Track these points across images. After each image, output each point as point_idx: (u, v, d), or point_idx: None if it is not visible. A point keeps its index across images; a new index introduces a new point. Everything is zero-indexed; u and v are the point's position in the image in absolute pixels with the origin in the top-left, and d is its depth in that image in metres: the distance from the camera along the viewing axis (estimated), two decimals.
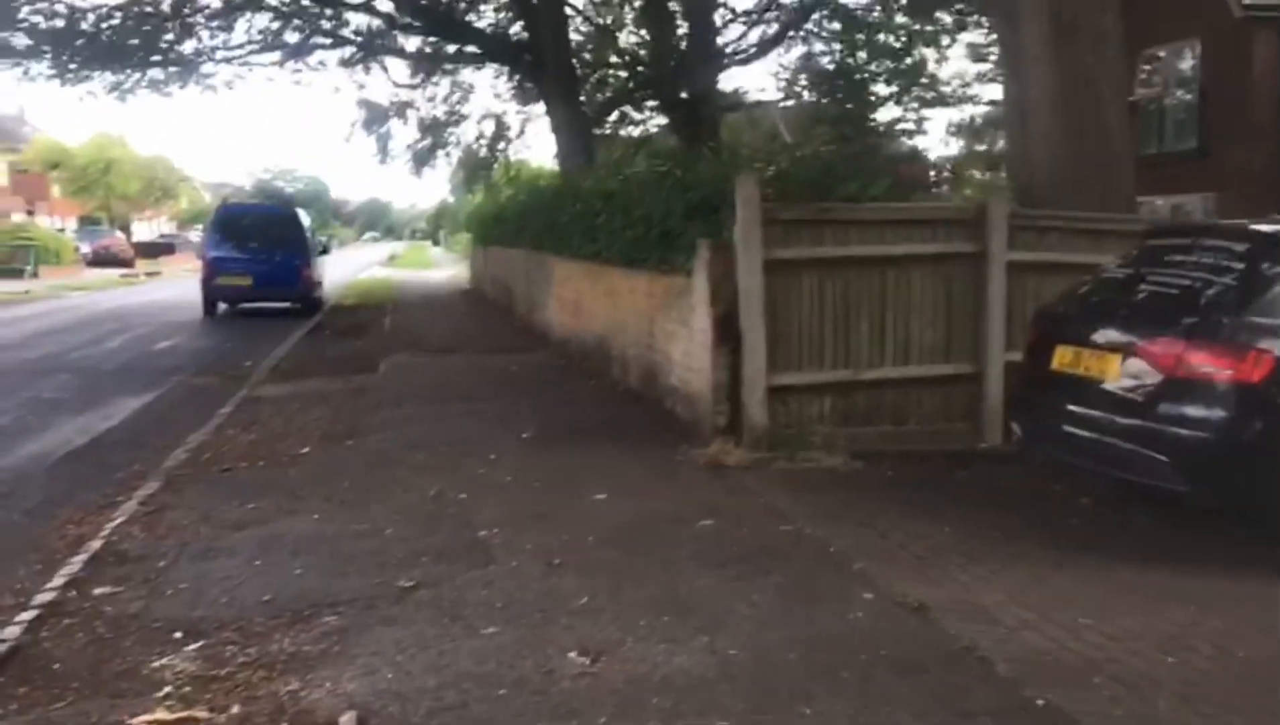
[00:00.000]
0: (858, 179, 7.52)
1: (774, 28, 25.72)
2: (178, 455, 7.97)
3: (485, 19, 26.84)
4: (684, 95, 23.84)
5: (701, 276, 7.50)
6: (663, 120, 27.43)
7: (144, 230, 75.40)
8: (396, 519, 6.01)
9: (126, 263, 47.60)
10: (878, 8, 25.82)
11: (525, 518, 5.99)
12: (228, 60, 24.59)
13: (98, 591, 4.90)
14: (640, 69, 25.81)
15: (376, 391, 10.80)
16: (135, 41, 23.04)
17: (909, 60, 24.94)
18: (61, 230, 54.75)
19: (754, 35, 25.83)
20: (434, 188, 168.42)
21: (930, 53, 24.84)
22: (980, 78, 25.73)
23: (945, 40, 24.76)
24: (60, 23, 22.06)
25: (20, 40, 21.85)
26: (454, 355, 13.90)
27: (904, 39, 24.96)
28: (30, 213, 63.35)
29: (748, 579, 4.87)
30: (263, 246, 21.15)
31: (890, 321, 7.46)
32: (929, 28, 24.73)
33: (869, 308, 7.42)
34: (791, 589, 4.74)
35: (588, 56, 26.74)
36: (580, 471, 7.08)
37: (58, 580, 5.01)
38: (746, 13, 25.84)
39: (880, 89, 25.49)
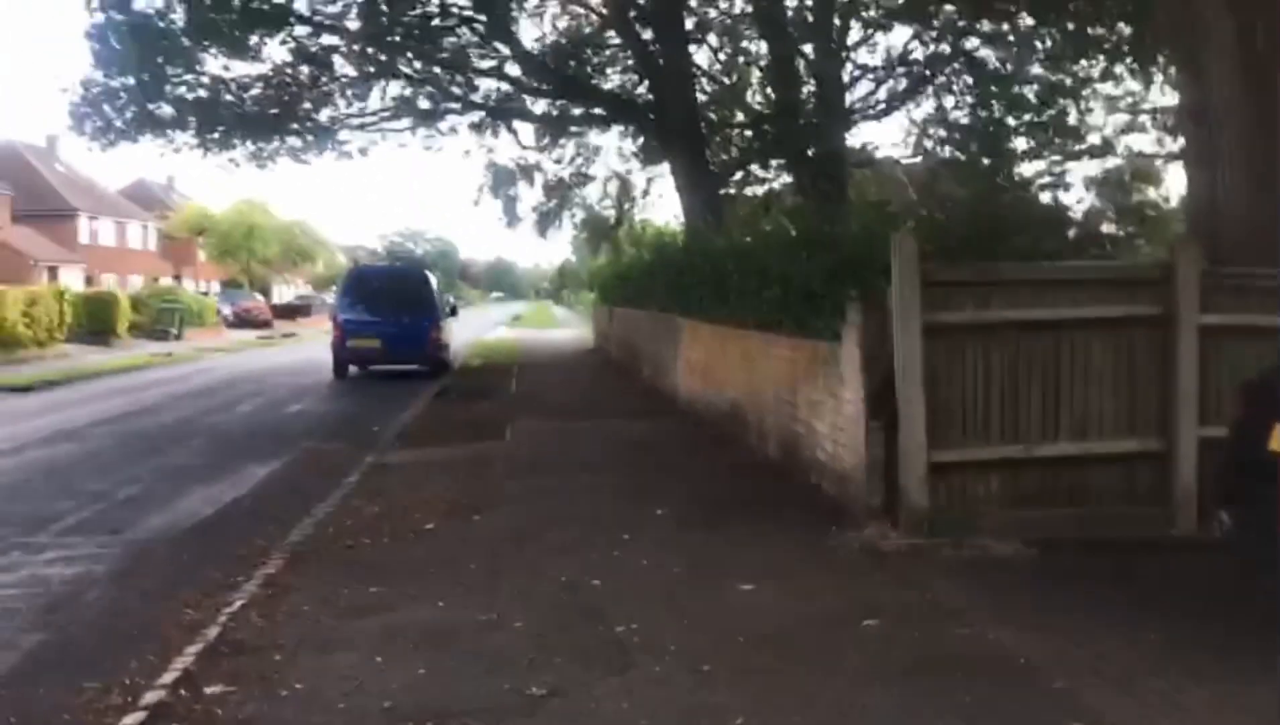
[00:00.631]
0: (1025, 234, 6.85)
1: (904, 83, 25.01)
2: (303, 528, 7.69)
3: (611, 81, 26.97)
4: (811, 152, 23.35)
5: (852, 343, 6.91)
6: (788, 178, 26.99)
7: (282, 292, 78.30)
8: (526, 610, 5.53)
9: (264, 324, 49.25)
10: (1013, 60, 24.87)
11: (666, 611, 5.45)
12: (362, 127, 25.15)
13: (210, 690, 4.53)
14: (766, 127, 25.40)
15: (503, 460, 10.45)
16: (275, 111, 23.68)
17: (1050, 112, 23.97)
18: (205, 293, 57.16)
19: (883, 91, 25.20)
20: (557, 248, 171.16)
21: (1072, 104, 23.73)
22: (1125, 128, 24.47)
23: (1086, 92, 23.71)
24: (204, 93, 22.80)
25: (166, 111, 22.66)
26: (581, 420, 13.52)
27: (1043, 92, 24.04)
28: (177, 277, 66.40)
29: (928, 698, 4.22)
30: (392, 309, 21.31)
31: (1065, 392, 6.72)
32: (1068, 80, 23.73)
33: (1041, 377, 6.70)
34: (985, 714, 4.07)
35: (713, 115, 26.48)
36: (722, 555, 6.52)
37: (169, 676, 4.66)
38: (874, 69, 25.23)
39: (1020, 143, 24.59)
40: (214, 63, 22.10)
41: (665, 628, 5.16)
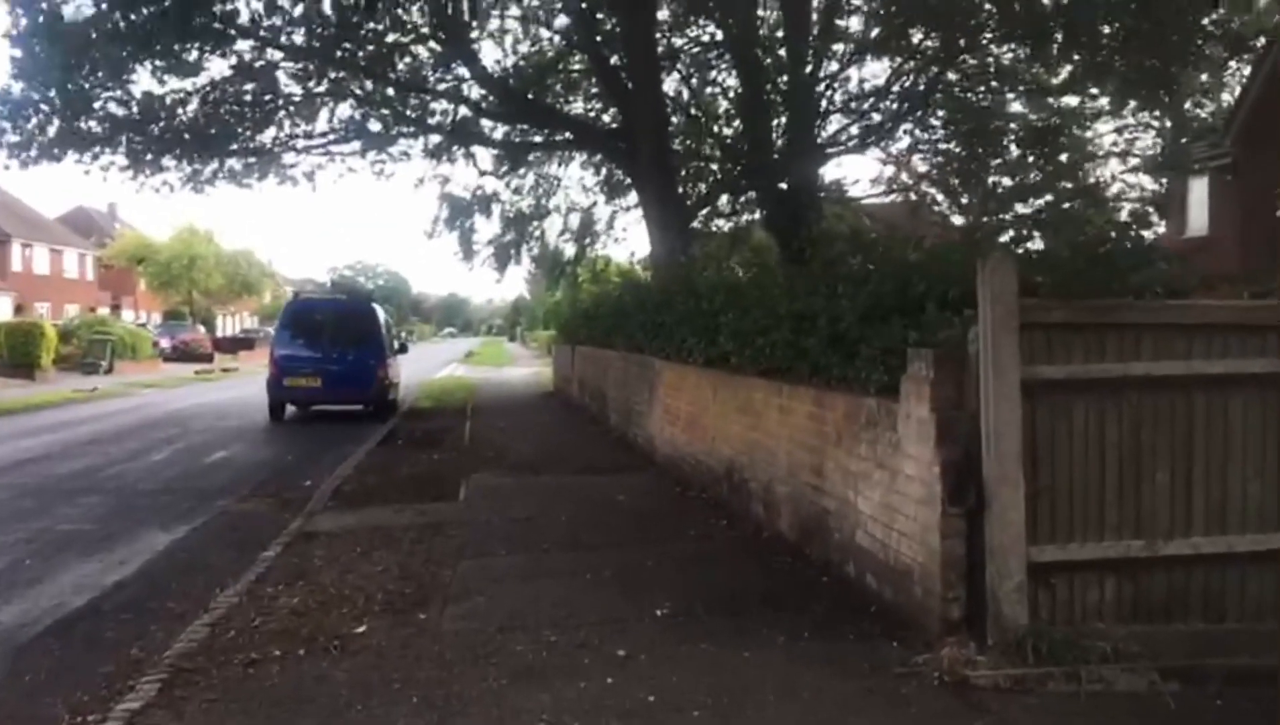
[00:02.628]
0: (1144, 263, 5.31)
1: (878, 117, 23.86)
2: (194, 631, 5.90)
3: (576, 106, 25.51)
4: (783, 186, 22.06)
5: (920, 402, 5.30)
6: (757, 215, 25.74)
7: (227, 325, 75.74)
8: None
9: (205, 358, 46.92)
10: (994, 94, 23.80)
11: None
12: (308, 150, 23.43)
13: None
14: (739, 161, 24.06)
15: (456, 529, 8.70)
16: (213, 131, 21.87)
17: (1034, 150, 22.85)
18: (143, 324, 54.57)
19: (856, 127, 24.08)
20: (511, 284, 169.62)
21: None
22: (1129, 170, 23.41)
23: (1077, 128, 22.62)
24: (136, 110, 20.95)
25: (94, 127, 20.77)
26: (545, 475, 11.80)
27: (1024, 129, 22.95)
28: (116, 307, 63.79)
29: None
30: (335, 344, 19.52)
31: (1199, 471, 5.16)
32: (1054, 120, 22.65)
33: (1169, 450, 5.13)
34: None
35: (679, 148, 25.08)
36: (751, 685, 4.83)
37: None
38: (846, 103, 24.08)
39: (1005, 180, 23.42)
40: (148, 77, 20.25)
41: None
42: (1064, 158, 22.08)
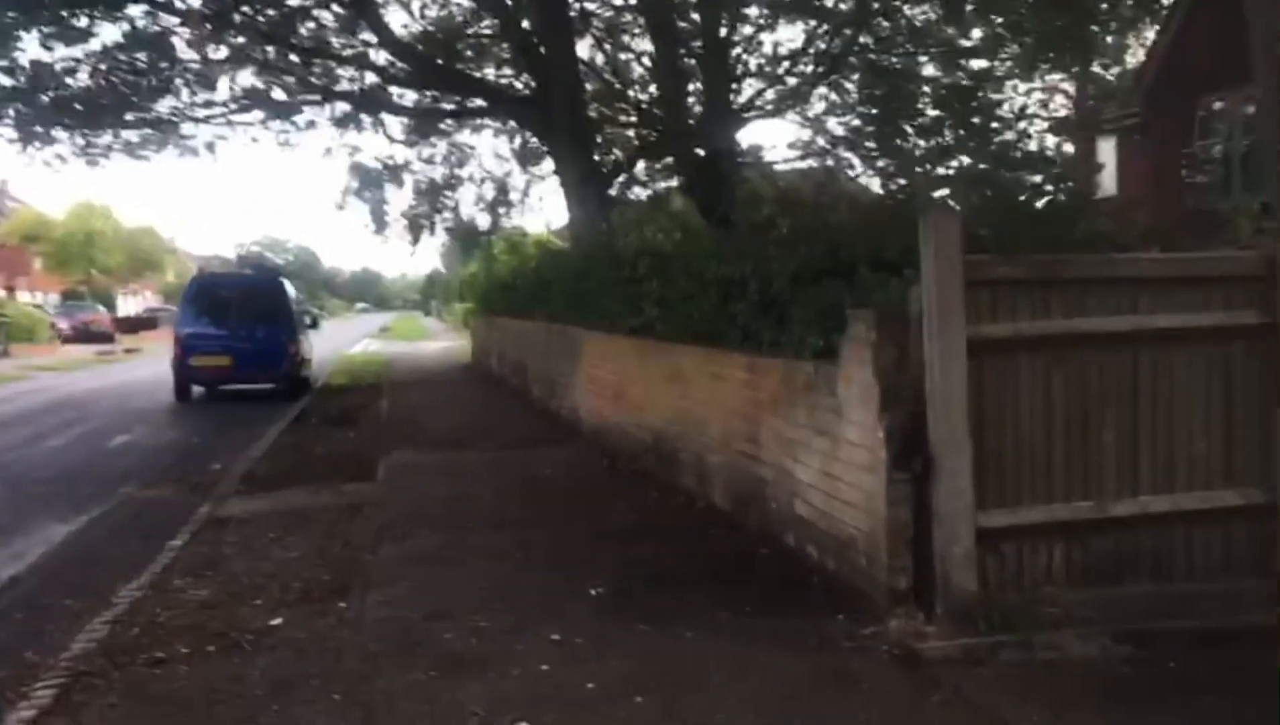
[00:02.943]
0: (1084, 217, 5.15)
1: (793, 81, 23.77)
2: (94, 630, 5.47)
3: (488, 72, 24.88)
4: (701, 152, 21.85)
5: (863, 365, 5.09)
6: (673, 182, 25.51)
7: (128, 304, 73.19)
8: None
9: (106, 339, 45.18)
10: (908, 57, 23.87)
11: None
12: (208, 120, 22.48)
13: None
14: (656, 127, 23.76)
15: (375, 509, 8.32)
16: (106, 101, 20.82)
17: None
18: (39, 306, 52.37)
19: (771, 92, 23.98)
20: (424, 258, 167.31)
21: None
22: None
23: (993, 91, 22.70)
24: (22, 79, 19.85)
25: None
26: (466, 451, 11.44)
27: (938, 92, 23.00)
28: (10, 289, 61.09)
29: None
30: (243, 321, 18.78)
31: (1145, 428, 5.04)
32: (967, 81, 22.71)
33: (1116, 408, 5.00)
34: None
35: (594, 115, 24.68)
36: (699, 668, 4.59)
37: None
38: (761, 68, 23.94)
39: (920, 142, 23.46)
40: (35, 45, 19.20)
41: None
42: (977, 121, 22.15)
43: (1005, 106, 24.02)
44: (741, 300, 7.48)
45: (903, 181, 22.06)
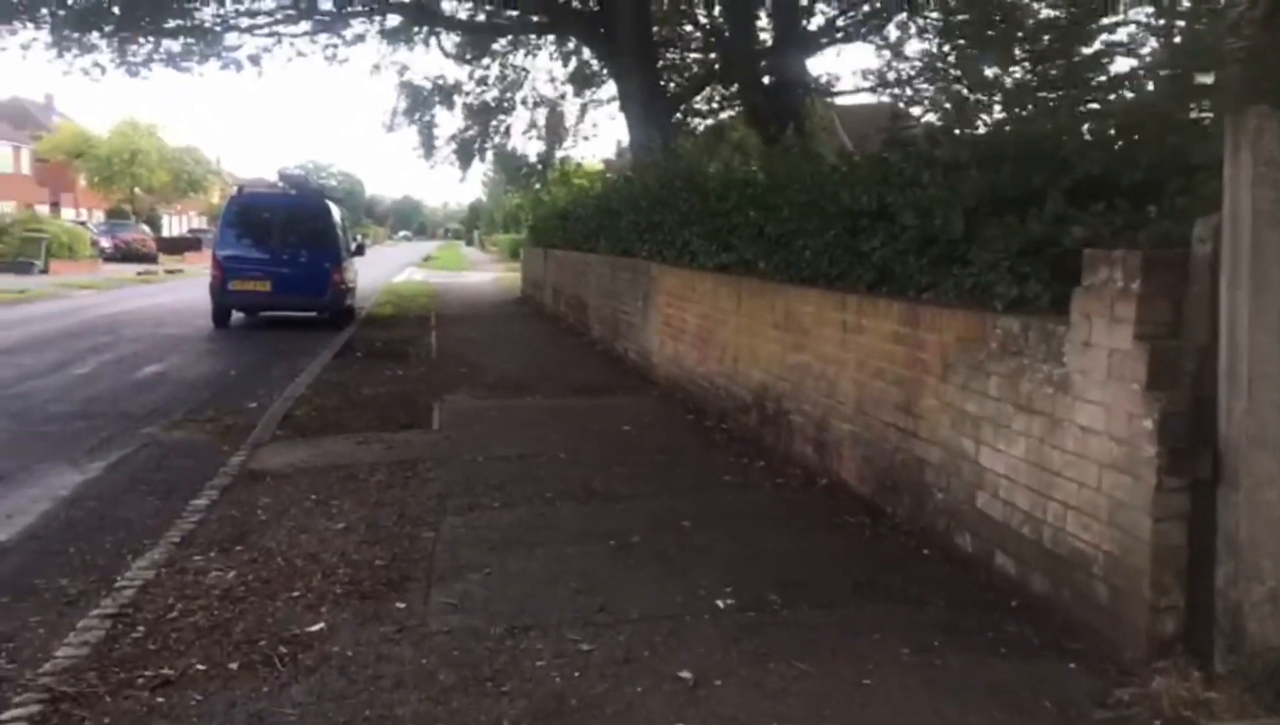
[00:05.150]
0: None
1: (865, 8, 22.10)
2: (88, 629, 4.29)
3: None
4: (767, 80, 20.30)
5: (1115, 326, 3.73)
6: (733, 112, 23.99)
7: (173, 225, 72.56)
8: None
9: (147, 258, 44.43)
10: None
11: None
12: (252, 30, 21.19)
13: None
14: (727, 49, 22.18)
15: (433, 468, 7.09)
16: (144, 3, 19.50)
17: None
18: (83, 223, 51.67)
19: (842, 19, 22.34)
20: (468, 187, 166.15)
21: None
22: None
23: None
24: None
25: None
26: (530, 397, 10.22)
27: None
28: (55, 205, 60.51)
29: None
30: (286, 245, 17.62)
31: None
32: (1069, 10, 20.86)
33: None
34: None
35: (656, 40, 23.10)
36: None
37: None
38: None
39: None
40: None
41: None
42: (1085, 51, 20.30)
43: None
44: (874, 236, 6.15)
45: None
